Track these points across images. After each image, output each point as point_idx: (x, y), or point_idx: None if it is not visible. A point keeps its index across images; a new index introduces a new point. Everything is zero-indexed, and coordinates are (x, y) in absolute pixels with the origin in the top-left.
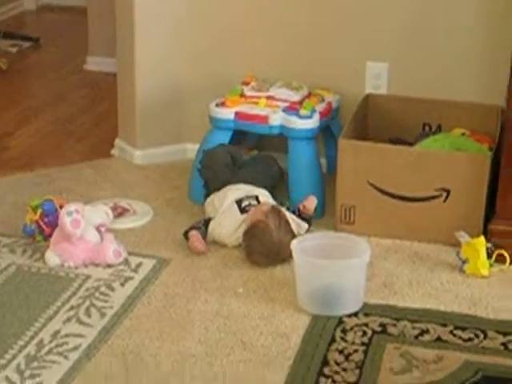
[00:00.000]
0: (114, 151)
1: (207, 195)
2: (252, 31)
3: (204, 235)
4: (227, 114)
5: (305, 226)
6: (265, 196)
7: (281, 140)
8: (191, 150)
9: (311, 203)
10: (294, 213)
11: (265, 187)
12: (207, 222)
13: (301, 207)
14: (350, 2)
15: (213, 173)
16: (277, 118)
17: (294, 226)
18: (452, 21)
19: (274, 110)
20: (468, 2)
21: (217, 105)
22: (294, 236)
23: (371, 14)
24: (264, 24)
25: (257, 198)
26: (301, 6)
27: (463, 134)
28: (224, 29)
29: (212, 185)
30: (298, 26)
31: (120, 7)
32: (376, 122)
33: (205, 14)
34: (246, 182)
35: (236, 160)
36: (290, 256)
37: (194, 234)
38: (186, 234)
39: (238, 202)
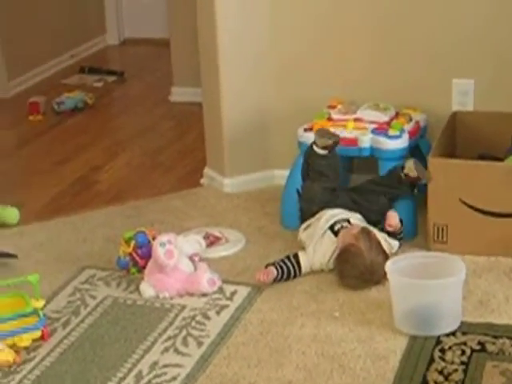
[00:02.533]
0: (203, 180)
1: (302, 221)
2: (335, 53)
3: (283, 273)
4: None
5: (396, 243)
6: (356, 219)
7: (371, 161)
8: (279, 175)
9: (393, 219)
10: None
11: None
12: (295, 256)
13: (386, 226)
14: (434, 20)
15: (307, 206)
16: (366, 140)
17: (385, 246)
18: None
19: (363, 132)
20: None
21: (305, 130)
22: (386, 256)
23: (455, 31)
24: (347, 45)
25: (348, 221)
26: (384, 25)
27: None
28: (307, 52)
29: (307, 214)
30: (382, 45)
31: (203, 37)
32: (464, 138)
33: (287, 38)
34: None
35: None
36: (384, 277)
37: (268, 269)
38: (266, 266)
39: (331, 228)
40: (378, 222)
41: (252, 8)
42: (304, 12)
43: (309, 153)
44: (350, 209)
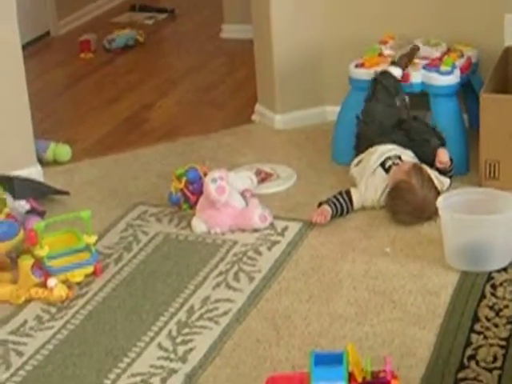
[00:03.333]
0: (254, 117)
1: (356, 149)
2: None
3: (336, 210)
4: (367, 74)
5: (447, 181)
6: (408, 156)
7: (422, 97)
8: (331, 112)
9: (444, 155)
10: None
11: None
12: (347, 193)
13: (437, 163)
14: None
15: (366, 129)
16: (417, 76)
17: (436, 183)
18: None
19: (415, 68)
20: None
21: (356, 66)
22: (437, 192)
23: None
24: None
25: (399, 157)
26: None
27: None
28: None
29: (363, 140)
30: None
31: None
32: None
33: None
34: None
35: (391, 117)
36: (436, 213)
37: (322, 208)
38: (319, 205)
39: (382, 164)
40: (430, 163)
41: None
42: None
43: (381, 74)
44: (404, 146)
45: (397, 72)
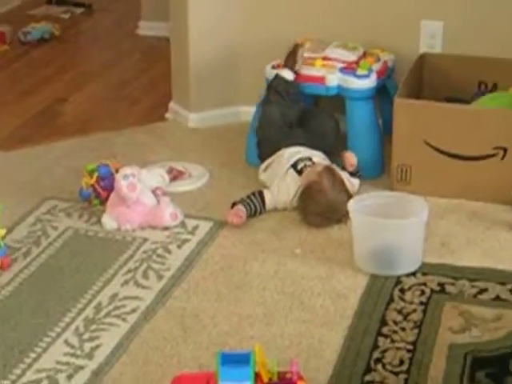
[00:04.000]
0: (168, 115)
1: (260, 157)
2: None
3: (250, 211)
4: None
5: (357, 182)
6: (319, 157)
7: (338, 101)
8: (245, 112)
9: (352, 158)
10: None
11: (320, 147)
12: (260, 194)
13: (348, 167)
14: None
15: (265, 133)
16: (334, 79)
17: (348, 185)
18: None
19: (331, 71)
20: None
21: (273, 67)
22: (349, 194)
23: None
24: None
25: (311, 159)
26: None
27: None
28: None
29: (265, 145)
30: None
31: None
32: (431, 80)
33: None
34: (299, 143)
35: (288, 118)
36: (346, 215)
37: (237, 208)
38: (232, 205)
39: (294, 166)
40: (331, 149)
41: None
42: None
43: (273, 80)
44: (304, 143)
45: (287, 74)
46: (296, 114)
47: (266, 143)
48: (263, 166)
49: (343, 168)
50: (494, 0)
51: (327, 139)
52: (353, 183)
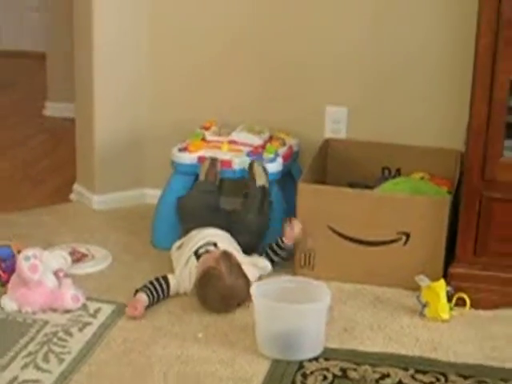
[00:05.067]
0: (72, 196)
1: (180, 234)
2: (212, 76)
3: (153, 298)
4: (190, 158)
5: (267, 266)
6: (228, 241)
7: (243, 184)
8: (151, 195)
9: (294, 230)
10: (272, 246)
11: (244, 243)
12: (165, 279)
13: (287, 233)
14: (309, 47)
15: (186, 218)
16: (240, 162)
17: (251, 269)
18: (410, 67)
19: (237, 155)
20: (426, 52)
21: (179, 150)
22: (246, 279)
23: (330, 59)
24: (224, 68)
25: (215, 244)
26: (259, 52)
27: (422, 178)
28: (184, 74)
29: (183, 224)
30: (257, 70)
31: (79, 52)
32: (335, 166)
33: (165, 58)
34: (220, 227)
35: (211, 206)
36: (245, 300)
37: (138, 298)
38: (135, 293)
39: (196, 252)
40: (251, 244)
41: (130, 30)
42: (180, 37)
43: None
44: (225, 228)
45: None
46: (216, 197)
47: (185, 223)
48: (177, 243)
49: (281, 238)
50: (396, 88)
51: (253, 237)
52: (264, 268)
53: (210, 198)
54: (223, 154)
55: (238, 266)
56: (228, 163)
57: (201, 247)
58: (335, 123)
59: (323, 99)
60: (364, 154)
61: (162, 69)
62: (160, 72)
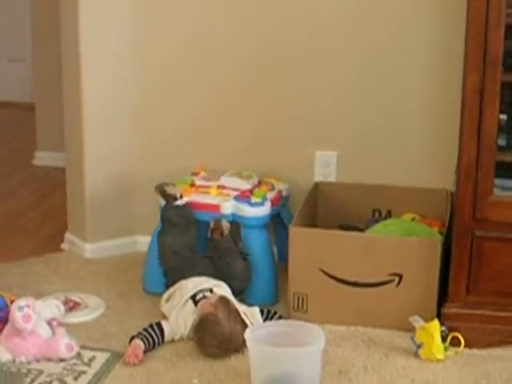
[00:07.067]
0: (64, 245)
1: (167, 285)
2: (201, 124)
3: (149, 345)
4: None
5: (259, 321)
6: (222, 288)
7: (233, 229)
8: (142, 242)
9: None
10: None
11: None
12: (158, 325)
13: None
14: (297, 94)
15: (167, 262)
16: (228, 207)
17: (247, 316)
18: (398, 110)
19: (226, 199)
20: (414, 92)
21: None
22: (244, 325)
23: (318, 105)
24: (213, 115)
25: (211, 290)
26: (249, 99)
27: (413, 219)
28: (174, 122)
29: (170, 274)
30: (247, 117)
31: (68, 102)
32: (326, 209)
33: (154, 106)
34: (205, 274)
35: (187, 245)
36: (243, 345)
37: (134, 345)
38: (131, 340)
39: (193, 297)
40: (241, 288)
41: (119, 80)
42: (169, 88)
43: (163, 209)
44: (211, 275)
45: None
46: (194, 239)
47: (170, 272)
48: (165, 296)
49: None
50: (385, 131)
51: (236, 280)
52: (257, 322)
53: (186, 242)
54: (212, 199)
55: (236, 312)
56: (216, 207)
57: (198, 292)
58: (325, 167)
59: (312, 144)
60: (354, 197)
61: (150, 118)
62: (149, 121)
